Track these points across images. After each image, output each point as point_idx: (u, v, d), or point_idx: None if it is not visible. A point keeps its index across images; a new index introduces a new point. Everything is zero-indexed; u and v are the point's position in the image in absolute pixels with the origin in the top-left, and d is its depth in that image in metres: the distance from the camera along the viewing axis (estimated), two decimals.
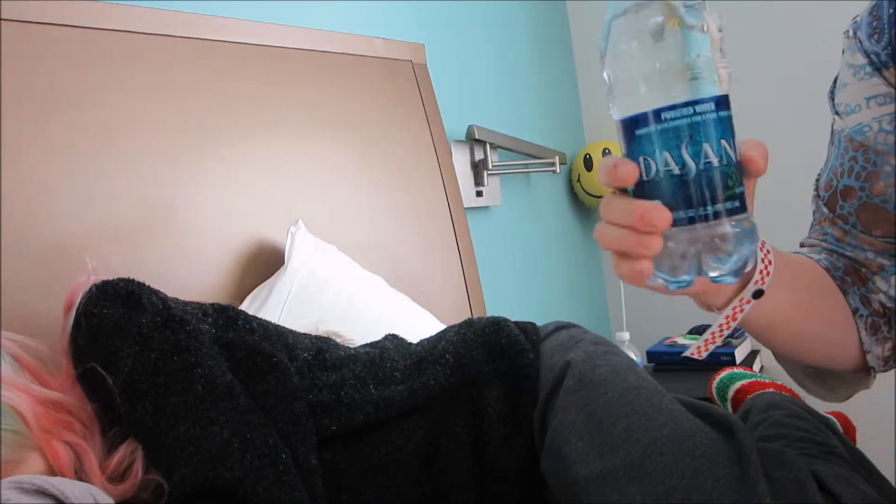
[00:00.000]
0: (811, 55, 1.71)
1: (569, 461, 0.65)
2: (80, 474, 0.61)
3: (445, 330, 0.85)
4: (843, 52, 0.64)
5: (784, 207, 1.46)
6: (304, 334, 0.82)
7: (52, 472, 0.60)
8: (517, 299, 1.82)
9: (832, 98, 0.66)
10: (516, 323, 0.83)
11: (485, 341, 0.79)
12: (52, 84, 0.89)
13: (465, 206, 1.54)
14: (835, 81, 0.66)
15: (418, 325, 1.08)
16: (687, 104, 0.42)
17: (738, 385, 0.98)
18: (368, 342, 0.88)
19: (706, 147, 0.42)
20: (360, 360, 0.76)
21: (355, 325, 1.01)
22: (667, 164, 0.42)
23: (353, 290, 1.07)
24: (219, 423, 0.61)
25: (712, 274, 0.44)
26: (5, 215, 0.81)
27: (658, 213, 0.42)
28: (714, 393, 1.06)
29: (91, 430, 0.64)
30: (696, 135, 0.42)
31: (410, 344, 0.85)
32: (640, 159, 0.43)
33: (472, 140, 1.64)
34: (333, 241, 1.12)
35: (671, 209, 0.42)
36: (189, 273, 0.98)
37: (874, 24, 0.59)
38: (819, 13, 1.79)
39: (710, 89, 0.42)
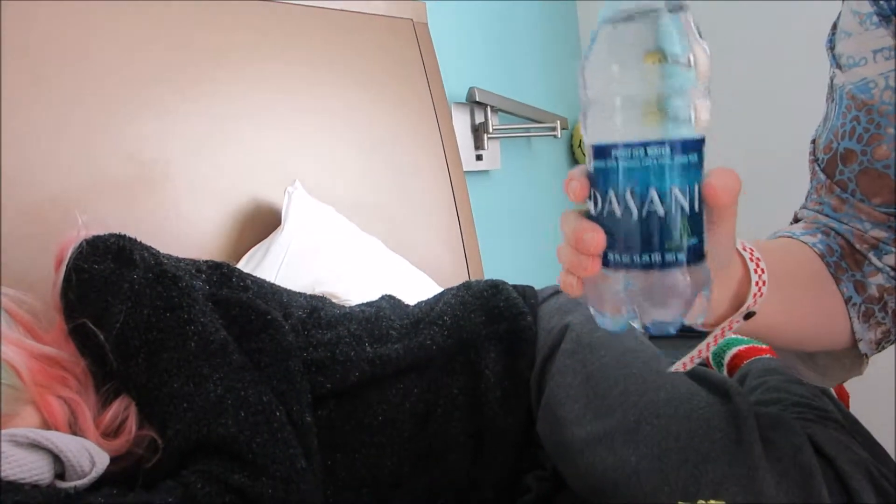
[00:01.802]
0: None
1: (565, 423, 0.65)
2: (75, 429, 0.61)
3: (443, 292, 0.84)
4: None
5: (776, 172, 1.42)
6: (299, 293, 0.81)
7: (46, 426, 0.60)
8: (516, 264, 1.81)
9: (831, 48, 0.60)
10: (515, 286, 0.83)
11: (483, 304, 0.78)
12: (49, 39, 0.87)
13: (465, 169, 1.52)
14: (833, 28, 0.60)
15: (416, 288, 1.07)
16: (638, 145, 0.38)
17: (734, 350, 0.98)
18: (364, 301, 0.88)
19: (652, 193, 0.38)
20: (356, 319, 0.76)
21: (352, 288, 1.00)
22: (610, 203, 0.39)
23: (351, 252, 1.06)
24: (212, 379, 0.61)
25: (646, 323, 0.41)
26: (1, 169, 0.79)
27: (592, 235, 0.40)
28: (710, 358, 1.06)
29: (85, 385, 0.64)
30: (644, 179, 0.38)
31: (407, 305, 0.85)
32: (591, 191, 0.41)
33: (473, 102, 1.61)
34: (330, 202, 1.11)
35: (610, 248, 0.40)
36: (184, 232, 0.97)
37: None
38: None
39: (675, 131, 0.37)
